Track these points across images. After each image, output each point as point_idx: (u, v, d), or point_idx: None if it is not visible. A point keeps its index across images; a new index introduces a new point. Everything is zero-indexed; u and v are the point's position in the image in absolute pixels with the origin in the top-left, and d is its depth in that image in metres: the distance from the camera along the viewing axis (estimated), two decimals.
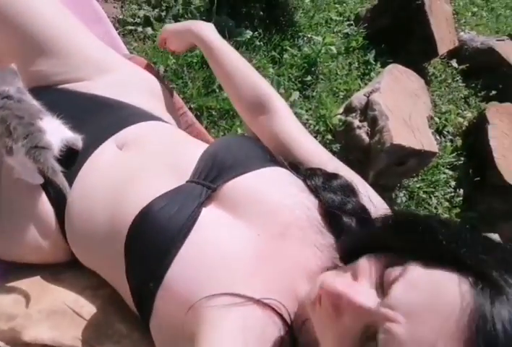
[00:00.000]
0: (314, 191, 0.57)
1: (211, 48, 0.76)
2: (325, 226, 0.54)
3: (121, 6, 1.45)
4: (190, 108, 1.42)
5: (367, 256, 0.43)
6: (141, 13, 1.46)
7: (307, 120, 1.51)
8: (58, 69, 0.74)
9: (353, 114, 1.36)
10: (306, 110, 1.52)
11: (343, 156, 1.31)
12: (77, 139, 0.64)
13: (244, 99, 0.73)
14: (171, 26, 0.88)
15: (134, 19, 1.44)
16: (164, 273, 0.49)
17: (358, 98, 1.39)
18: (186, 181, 0.58)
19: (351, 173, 0.63)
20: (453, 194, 1.68)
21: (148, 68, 0.92)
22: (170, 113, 0.83)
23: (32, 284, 0.63)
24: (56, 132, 0.60)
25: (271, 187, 0.57)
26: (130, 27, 1.43)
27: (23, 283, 0.63)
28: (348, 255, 0.48)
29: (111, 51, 0.85)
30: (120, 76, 0.79)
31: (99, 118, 0.71)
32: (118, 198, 0.59)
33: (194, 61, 1.48)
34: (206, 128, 1.42)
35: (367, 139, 1.30)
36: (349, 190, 0.58)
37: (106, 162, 0.64)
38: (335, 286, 0.40)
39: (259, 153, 0.62)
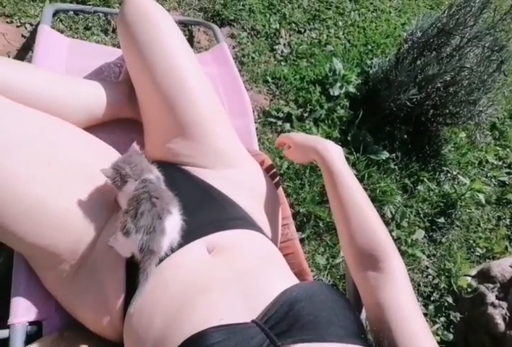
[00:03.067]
0: None
1: (332, 173, 0.71)
2: None
3: (271, 100, 1.49)
4: (298, 212, 1.30)
5: None
6: (286, 109, 1.48)
7: (426, 267, 1.25)
8: (188, 152, 0.76)
9: (490, 285, 1.07)
10: (429, 256, 1.26)
11: (461, 332, 1.00)
12: (174, 243, 0.61)
13: (355, 245, 0.65)
14: (296, 136, 0.83)
15: (278, 113, 1.46)
16: None
17: (500, 266, 1.10)
18: (252, 320, 0.52)
19: None
20: None
21: (270, 168, 0.93)
22: (273, 222, 0.81)
23: None
24: (172, 235, 0.59)
25: None
26: (271, 120, 1.44)
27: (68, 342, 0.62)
28: None
29: (240, 147, 0.85)
30: (239, 174, 0.79)
31: (205, 212, 0.69)
32: (182, 308, 0.54)
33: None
34: (307, 238, 1.27)
35: (502, 325, 0.97)
36: None
37: (190, 262, 0.60)
38: None
39: (346, 321, 0.52)
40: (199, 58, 1.09)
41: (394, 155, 1.50)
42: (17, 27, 1.24)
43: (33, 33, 1.23)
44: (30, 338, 0.63)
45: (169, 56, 0.75)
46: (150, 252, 0.55)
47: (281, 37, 1.60)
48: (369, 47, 1.71)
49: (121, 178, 0.60)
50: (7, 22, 1.24)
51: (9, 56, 1.21)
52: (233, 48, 1.51)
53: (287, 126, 1.45)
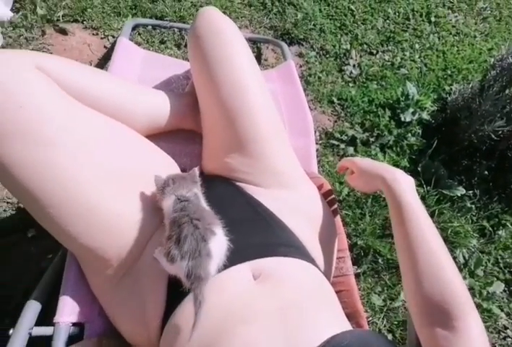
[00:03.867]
0: None
1: (401, 206, 0.64)
2: None
3: (335, 121, 1.40)
4: (355, 244, 1.17)
5: None
6: (350, 132, 1.38)
7: (505, 328, 1.04)
8: (244, 168, 0.74)
9: None
10: (508, 315, 1.06)
11: None
12: (221, 264, 0.58)
13: (423, 293, 0.56)
14: (361, 161, 0.77)
15: (341, 136, 1.36)
16: None
17: None
18: None
19: None
20: None
21: (328, 193, 0.86)
22: (327, 253, 0.75)
23: None
24: (218, 257, 0.56)
25: None
26: (334, 142, 1.35)
27: None
28: None
29: (298, 167, 0.82)
30: (294, 196, 0.76)
31: (254, 233, 0.66)
32: (221, 335, 0.51)
33: (383, 195, 1.27)
34: (363, 274, 1.14)
35: None
36: None
37: (234, 287, 0.56)
38: None
39: None
40: (264, 74, 1.05)
41: (471, 192, 1.32)
42: (101, 38, 1.32)
43: (114, 44, 1.29)
44: (70, 339, 0.63)
45: (236, 73, 0.74)
46: (198, 278, 0.52)
47: (351, 57, 1.52)
48: (449, 72, 1.57)
49: (163, 190, 0.60)
50: (93, 34, 1.32)
51: (90, 64, 1.27)
52: (300, 66, 1.46)
53: (350, 149, 1.34)
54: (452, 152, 1.38)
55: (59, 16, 1.28)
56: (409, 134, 1.41)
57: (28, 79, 0.57)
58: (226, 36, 0.76)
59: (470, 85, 1.41)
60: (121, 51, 1.06)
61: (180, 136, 0.91)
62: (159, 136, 0.85)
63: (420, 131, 1.40)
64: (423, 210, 0.64)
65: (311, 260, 0.65)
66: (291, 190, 0.76)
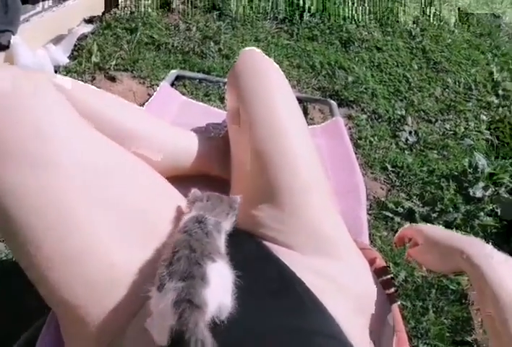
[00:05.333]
0: None
1: (497, 296, 0.46)
2: None
3: (389, 190, 1.20)
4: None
5: None
6: (407, 204, 1.16)
7: None
8: (274, 224, 0.61)
9: None
10: None
11: None
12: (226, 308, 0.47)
13: None
14: (430, 230, 0.60)
15: (397, 208, 1.14)
16: None
17: None
18: None
19: None
20: None
21: (382, 272, 0.66)
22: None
23: None
24: (220, 289, 0.46)
25: None
26: (387, 214, 1.12)
27: None
28: None
29: (345, 232, 0.66)
30: (339, 268, 0.59)
31: (280, 310, 0.50)
32: None
33: (451, 286, 0.98)
34: None
35: None
36: None
37: None
38: None
39: None
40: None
41: None
42: (147, 87, 1.31)
43: None
44: None
45: (276, 114, 0.68)
46: (192, 308, 0.41)
47: (407, 124, 1.38)
48: None
49: (193, 204, 0.53)
50: (140, 83, 1.32)
51: None
52: (350, 128, 1.32)
53: (407, 224, 1.10)
54: None
55: (111, 65, 1.30)
56: (482, 213, 1.15)
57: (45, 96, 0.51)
58: (268, 74, 0.72)
59: None
60: (160, 94, 1.03)
61: (205, 182, 0.78)
62: (181, 180, 0.73)
63: (499, 210, 1.14)
64: None
65: None
66: (335, 260, 0.60)
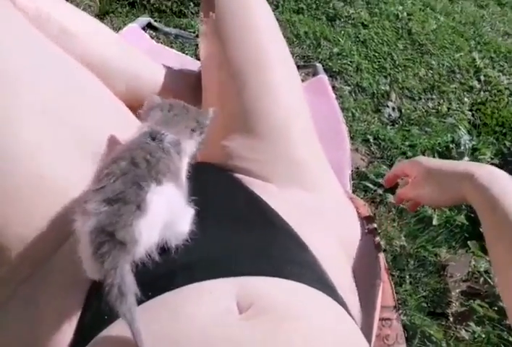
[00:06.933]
0: None
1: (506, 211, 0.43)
2: None
3: (370, 162, 1.15)
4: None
5: None
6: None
7: None
8: (248, 153, 0.55)
9: None
10: None
11: None
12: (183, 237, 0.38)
13: None
14: (430, 160, 0.57)
15: (377, 178, 1.08)
16: None
17: None
18: None
19: None
20: None
21: (367, 220, 0.60)
22: (365, 303, 0.49)
23: None
24: (162, 217, 0.36)
25: None
26: (367, 184, 1.06)
27: None
28: None
29: (329, 168, 0.61)
30: (320, 200, 0.54)
31: (252, 237, 0.44)
32: None
33: (429, 257, 0.92)
34: None
35: None
36: None
37: (205, 318, 0.33)
38: None
39: None
40: None
41: None
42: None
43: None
44: None
45: (254, 35, 0.61)
46: (111, 240, 0.32)
47: (391, 100, 1.33)
48: (505, 130, 1.34)
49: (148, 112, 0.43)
50: None
51: None
52: None
53: (389, 197, 1.05)
54: None
55: None
56: None
57: None
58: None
59: None
60: (127, 35, 0.93)
61: None
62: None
63: None
64: None
65: (337, 297, 0.41)
66: (316, 192, 0.54)
